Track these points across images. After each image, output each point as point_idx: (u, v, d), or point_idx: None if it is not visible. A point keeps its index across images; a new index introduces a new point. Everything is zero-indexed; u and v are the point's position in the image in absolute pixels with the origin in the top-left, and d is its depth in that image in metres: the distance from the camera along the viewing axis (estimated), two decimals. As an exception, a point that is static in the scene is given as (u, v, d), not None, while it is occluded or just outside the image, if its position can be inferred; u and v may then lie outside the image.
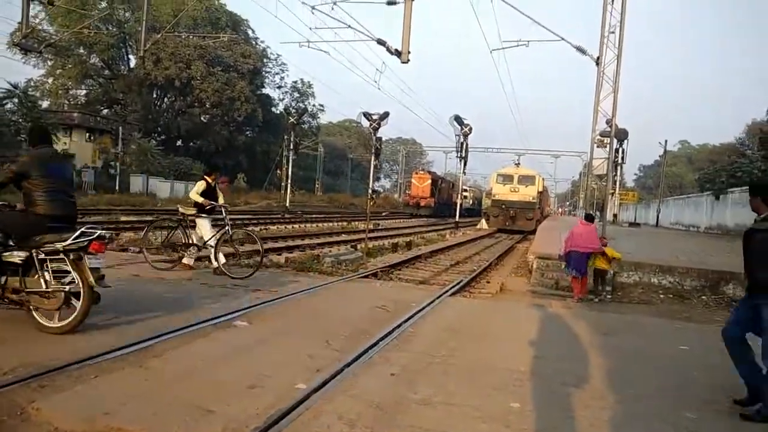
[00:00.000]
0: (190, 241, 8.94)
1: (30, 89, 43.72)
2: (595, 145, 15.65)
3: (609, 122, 15.10)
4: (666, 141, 46.39)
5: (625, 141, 28.83)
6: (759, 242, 4.11)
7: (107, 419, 3.20)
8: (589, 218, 10.21)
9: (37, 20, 39.58)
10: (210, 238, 8.77)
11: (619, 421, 3.75)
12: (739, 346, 4.14)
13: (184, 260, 8.96)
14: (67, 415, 3.23)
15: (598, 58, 14.67)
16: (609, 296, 9.99)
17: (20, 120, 33.32)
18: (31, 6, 21.10)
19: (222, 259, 8.73)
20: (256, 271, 8.68)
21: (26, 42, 23.10)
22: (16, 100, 33.84)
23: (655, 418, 3.85)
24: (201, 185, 9.03)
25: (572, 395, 4.19)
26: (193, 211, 8.94)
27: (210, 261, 8.85)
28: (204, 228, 8.87)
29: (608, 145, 16.01)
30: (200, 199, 8.89)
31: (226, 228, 8.78)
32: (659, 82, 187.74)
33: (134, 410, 3.35)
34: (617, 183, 31.61)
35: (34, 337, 4.64)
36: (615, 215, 33.07)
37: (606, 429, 3.63)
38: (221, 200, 9.21)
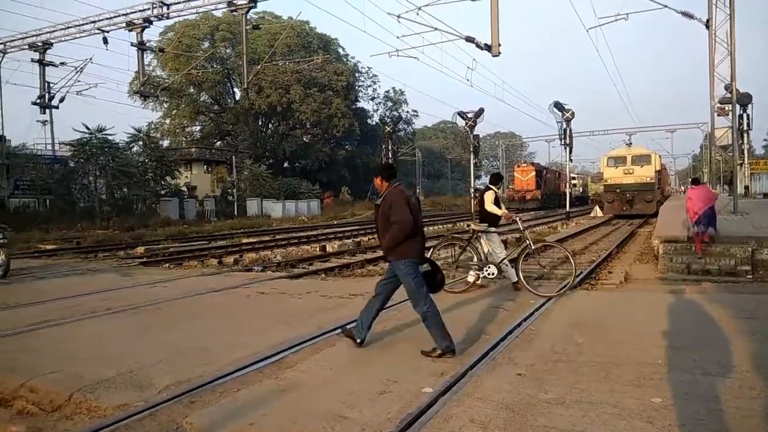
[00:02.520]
0: (484, 259, 8.05)
1: (151, 131, 48.20)
2: (716, 114, 14.42)
3: (728, 87, 13.80)
4: (799, 99, 41.36)
5: (750, 105, 26.20)
6: None
7: (253, 429, 3.43)
8: (696, 182, 12.19)
9: (151, 68, 43.74)
10: (505, 255, 8.07)
11: (779, 412, 3.39)
12: None
13: (471, 278, 8.10)
14: (217, 427, 3.50)
15: (707, 20, 13.49)
16: (749, 276, 9.10)
17: (146, 160, 36.73)
18: (145, 55, 23.38)
19: (513, 276, 7.94)
20: (569, 286, 7.70)
21: (144, 89, 25.61)
22: (140, 142, 37.37)
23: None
24: (491, 196, 8.31)
25: (717, 385, 3.85)
26: (484, 226, 8.18)
27: (489, 276, 7.95)
28: (495, 243, 8.15)
29: (730, 113, 14.63)
30: (500, 211, 8.21)
31: (527, 241, 7.95)
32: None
33: (275, 420, 3.57)
34: (745, 152, 28.66)
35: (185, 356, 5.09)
36: (746, 187, 30.01)
37: (761, 418, 3.29)
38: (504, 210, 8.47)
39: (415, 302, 4.98)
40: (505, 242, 8.16)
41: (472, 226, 8.46)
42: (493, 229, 8.17)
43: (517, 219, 8.48)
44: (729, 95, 14.16)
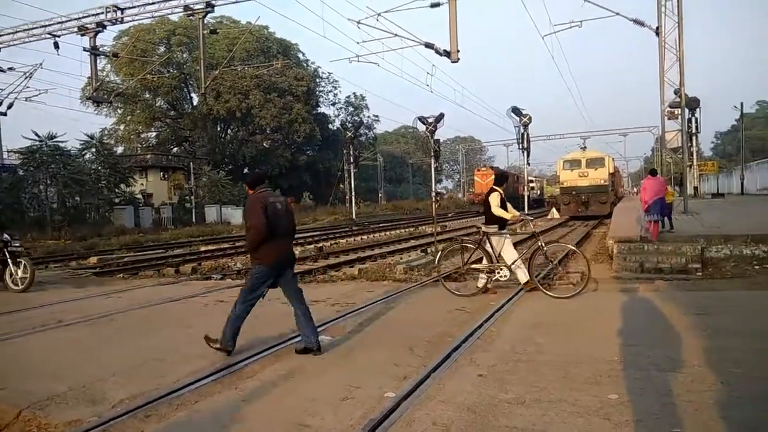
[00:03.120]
0: (495, 261, 7.89)
1: (105, 138, 46.80)
2: (666, 118, 14.95)
3: (677, 92, 14.37)
4: (742, 104, 43.39)
5: (698, 109, 27.31)
6: None
7: (212, 441, 3.35)
8: (653, 173, 12.82)
9: (104, 73, 42.56)
10: (517, 257, 7.90)
11: (726, 402, 3.53)
12: None
13: (481, 282, 8.04)
14: (175, 440, 3.41)
15: (657, 27, 14.03)
16: (699, 273, 9.46)
17: (99, 168, 35.61)
18: (98, 60, 22.70)
19: (524, 277, 7.83)
20: (584, 288, 7.55)
21: (97, 95, 24.83)
22: (93, 149, 36.22)
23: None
24: (496, 198, 8.04)
25: (670, 380, 3.98)
26: (494, 228, 7.98)
27: (499, 277, 7.86)
28: (506, 244, 7.97)
29: (679, 116, 15.22)
30: (509, 215, 8.01)
31: (540, 243, 7.79)
32: (726, 43, 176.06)
33: (236, 431, 3.50)
34: (694, 154, 29.81)
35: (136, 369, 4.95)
36: (696, 188, 31.22)
37: (713, 411, 3.42)
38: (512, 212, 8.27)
39: (241, 299, 5.20)
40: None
41: (483, 229, 8.18)
42: (503, 231, 8.01)
43: (528, 220, 8.37)
44: (678, 99, 14.71)
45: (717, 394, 3.67)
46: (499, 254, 7.95)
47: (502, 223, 8.04)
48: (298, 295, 5.36)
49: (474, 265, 8.34)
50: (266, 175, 5.78)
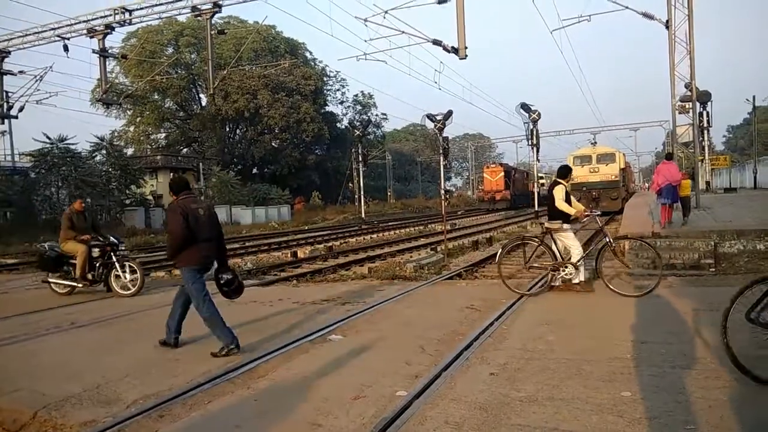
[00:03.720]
0: (561, 259, 7.59)
1: (115, 139, 47.10)
2: (677, 112, 14.82)
3: (688, 86, 14.24)
4: (754, 97, 42.85)
5: (709, 103, 27.04)
6: None
7: (225, 440, 3.37)
8: (669, 157, 12.83)
9: (113, 75, 42.83)
10: (582, 253, 7.59)
11: (740, 399, 3.50)
12: None
13: (555, 281, 7.71)
14: (189, 440, 3.43)
15: (667, 21, 13.90)
16: (712, 268, 9.37)
17: (110, 169, 35.87)
18: (107, 62, 22.87)
19: (583, 276, 7.55)
20: (655, 285, 7.17)
21: (107, 97, 25.01)
22: (104, 151, 36.49)
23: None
24: (561, 191, 7.68)
25: (684, 377, 3.96)
26: (558, 224, 7.63)
27: (561, 275, 7.62)
28: (570, 240, 7.67)
29: (691, 110, 15.09)
30: (573, 211, 7.67)
31: (608, 239, 7.49)
32: (738, 35, 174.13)
33: (248, 431, 3.51)
34: (705, 148, 29.54)
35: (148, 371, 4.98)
36: (708, 183, 30.93)
37: (727, 409, 3.39)
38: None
39: (197, 306, 5.35)
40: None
41: (546, 224, 7.87)
42: (567, 226, 7.69)
43: (595, 215, 8.05)
44: (689, 93, 14.60)
45: (731, 392, 3.64)
46: (564, 251, 7.62)
47: (566, 218, 7.69)
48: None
49: (537, 263, 7.99)
50: (188, 181, 5.90)
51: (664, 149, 63.87)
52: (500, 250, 8.77)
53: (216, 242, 5.55)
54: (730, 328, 3.85)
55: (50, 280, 9.57)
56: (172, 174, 47.71)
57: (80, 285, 9.29)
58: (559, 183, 7.80)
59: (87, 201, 33.19)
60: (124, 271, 9.25)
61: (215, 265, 5.61)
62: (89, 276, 9.26)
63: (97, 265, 9.36)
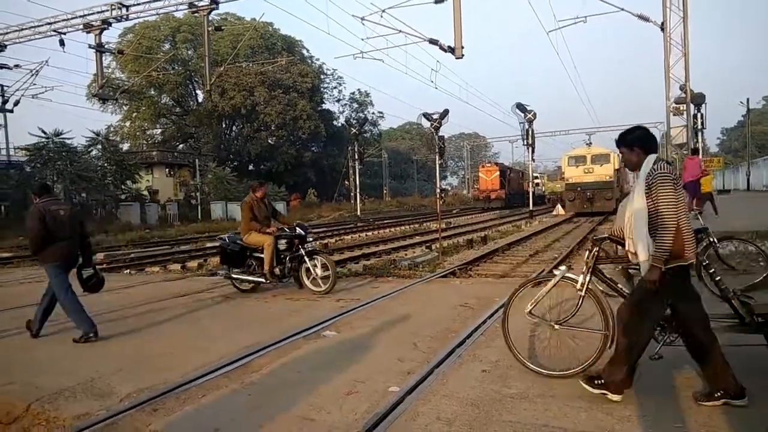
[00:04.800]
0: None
1: (110, 135, 46.94)
2: (671, 114, 14.91)
3: (683, 88, 14.33)
4: (748, 99, 43.17)
5: (703, 105, 27.10)
6: None
7: (218, 434, 3.39)
8: (694, 152, 13.26)
9: (110, 70, 42.68)
10: None
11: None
12: None
13: None
14: (182, 433, 3.45)
15: (662, 23, 13.98)
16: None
17: (105, 164, 35.77)
18: (103, 57, 22.80)
19: None
20: None
21: (103, 92, 24.93)
22: (99, 146, 36.38)
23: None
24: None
25: (675, 377, 3.99)
26: None
27: None
28: None
29: (685, 112, 15.18)
30: None
31: (711, 238, 6.50)
32: (733, 38, 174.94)
33: (241, 425, 3.54)
34: (699, 150, 29.66)
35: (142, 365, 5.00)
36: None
37: (718, 407, 3.42)
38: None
39: (58, 297, 5.97)
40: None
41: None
42: None
43: (696, 212, 7.37)
44: (684, 95, 14.69)
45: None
46: None
47: None
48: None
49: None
50: (49, 186, 6.50)
51: (658, 150, 64.06)
52: (592, 247, 8.40)
53: (77, 241, 6.09)
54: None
55: (234, 276, 8.69)
56: (168, 170, 47.77)
57: (267, 281, 8.39)
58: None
59: (82, 195, 33.39)
60: (314, 266, 8.26)
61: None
62: (276, 271, 8.31)
63: (287, 258, 8.38)
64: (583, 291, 4.00)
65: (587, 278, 4.00)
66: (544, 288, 4.26)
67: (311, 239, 8.82)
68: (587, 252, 4.16)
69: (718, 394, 3.42)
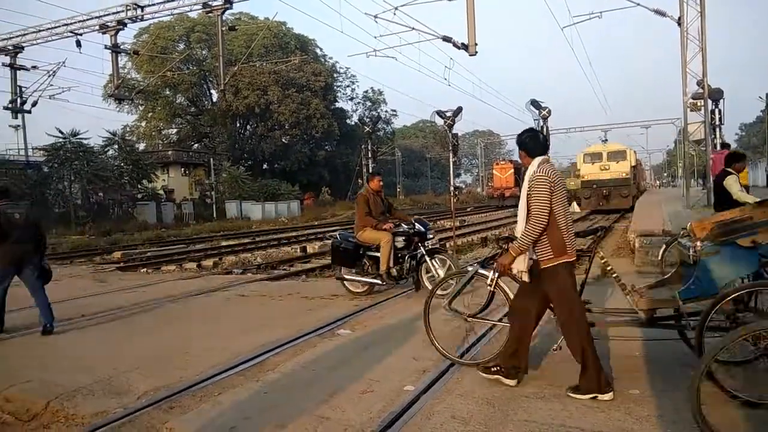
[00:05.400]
0: None
1: (126, 134, 47.47)
2: (689, 110, 14.72)
3: (700, 83, 14.12)
4: (767, 94, 42.37)
5: (721, 101, 26.70)
6: None
7: (234, 432, 3.40)
8: (723, 146, 12.76)
9: (125, 70, 43.11)
10: None
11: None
12: None
13: None
14: None
15: (679, 18, 13.78)
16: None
17: (122, 164, 36.17)
18: (119, 57, 23.04)
19: None
20: None
21: (119, 92, 25.20)
22: (116, 146, 36.79)
23: None
24: (737, 182, 6.59)
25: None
26: None
27: None
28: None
29: (702, 108, 14.96)
30: (750, 198, 6.40)
31: None
32: (751, 32, 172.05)
33: (258, 423, 3.55)
34: (717, 146, 29.23)
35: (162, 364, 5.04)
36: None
37: (737, 407, 3.34)
38: None
39: None
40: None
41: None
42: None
43: None
44: (701, 91, 14.48)
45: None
46: None
47: None
48: (35, 288, 6.44)
49: None
50: (8, 189, 6.78)
51: (675, 147, 63.38)
52: (662, 250, 7.53)
53: (31, 243, 6.41)
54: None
55: (346, 276, 7.93)
56: (183, 169, 48.18)
57: (382, 283, 7.67)
58: (731, 173, 6.79)
59: (99, 195, 33.81)
60: (435, 266, 7.48)
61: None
62: (393, 271, 7.53)
63: (406, 257, 7.63)
64: (492, 286, 4.38)
65: (496, 274, 4.27)
66: (458, 283, 4.68)
67: (431, 236, 7.84)
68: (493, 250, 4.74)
69: (588, 390, 3.62)
